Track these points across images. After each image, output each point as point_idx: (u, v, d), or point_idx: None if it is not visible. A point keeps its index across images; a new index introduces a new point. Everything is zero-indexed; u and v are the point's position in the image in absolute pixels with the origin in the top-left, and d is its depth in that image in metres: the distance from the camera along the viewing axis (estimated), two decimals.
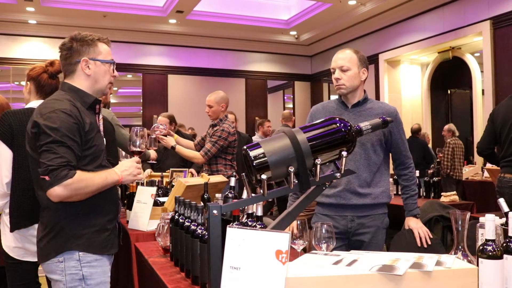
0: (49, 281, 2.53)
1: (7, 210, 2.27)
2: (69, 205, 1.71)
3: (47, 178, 1.59)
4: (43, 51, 9.60)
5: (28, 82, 2.40)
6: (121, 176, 1.79)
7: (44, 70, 2.39)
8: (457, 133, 7.60)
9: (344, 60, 2.30)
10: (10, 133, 2.23)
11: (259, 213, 1.52)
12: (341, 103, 2.40)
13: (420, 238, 2.30)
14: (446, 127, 7.78)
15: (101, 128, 1.94)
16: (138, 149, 1.97)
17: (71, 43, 1.84)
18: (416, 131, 7.87)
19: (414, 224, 2.36)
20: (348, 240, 2.32)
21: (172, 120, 4.97)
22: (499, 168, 3.69)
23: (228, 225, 1.13)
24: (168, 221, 2.17)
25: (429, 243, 2.30)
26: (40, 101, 2.36)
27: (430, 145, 8.52)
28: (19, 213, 2.24)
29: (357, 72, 2.30)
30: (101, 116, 1.98)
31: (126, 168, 1.82)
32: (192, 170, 4.34)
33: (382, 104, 2.42)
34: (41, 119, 1.66)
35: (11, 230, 2.25)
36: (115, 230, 1.92)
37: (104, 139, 1.96)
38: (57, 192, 1.59)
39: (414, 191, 2.42)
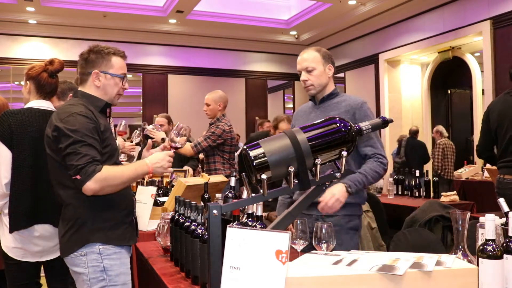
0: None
1: (6, 211, 2.27)
2: (89, 202, 1.83)
3: (78, 177, 1.71)
4: (43, 51, 9.60)
5: (27, 82, 2.39)
6: (151, 167, 1.88)
7: (43, 69, 2.38)
8: (445, 134, 7.89)
9: (307, 60, 2.30)
10: (9, 133, 2.23)
11: (259, 213, 1.52)
12: (312, 101, 2.43)
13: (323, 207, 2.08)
14: (434, 128, 8.02)
15: (113, 130, 2.02)
16: (176, 145, 2.03)
17: (88, 54, 1.96)
18: (415, 133, 8.14)
19: (330, 193, 2.06)
20: None
21: (170, 120, 5.10)
22: None
23: (228, 225, 1.13)
24: (168, 221, 2.18)
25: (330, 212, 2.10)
26: (41, 101, 2.37)
27: (430, 145, 8.80)
28: (18, 214, 2.24)
29: (323, 70, 2.30)
30: (112, 120, 2.06)
31: (158, 160, 1.91)
32: (188, 167, 4.35)
33: (350, 97, 2.35)
34: (61, 123, 1.80)
35: (11, 231, 2.25)
36: (133, 223, 2.02)
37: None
38: (90, 187, 1.71)
39: (367, 173, 2.17)
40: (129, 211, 1.99)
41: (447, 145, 7.75)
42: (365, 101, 2.32)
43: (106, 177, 1.74)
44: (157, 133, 3.73)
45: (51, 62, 2.40)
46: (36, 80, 2.37)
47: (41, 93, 2.38)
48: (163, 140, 3.75)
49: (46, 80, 2.38)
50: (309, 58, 2.31)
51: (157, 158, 1.91)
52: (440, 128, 8.05)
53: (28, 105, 2.36)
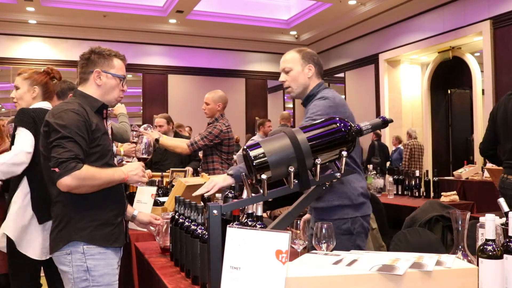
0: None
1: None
2: (77, 200, 1.84)
3: (57, 170, 1.72)
4: (43, 51, 9.60)
5: (35, 87, 2.51)
6: (127, 175, 1.92)
7: (50, 77, 2.56)
8: (414, 136, 8.42)
9: (285, 61, 2.24)
10: (34, 125, 2.32)
11: (259, 213, 1.52)
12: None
13: None
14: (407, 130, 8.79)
15: (109, 131, 2.03)
16: (143, 156, 2.23)
17: (90, 54, 2.00)
18: (379, 136, 9.29)
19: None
20: None
21: (169, 120, 5.08)
22: (500, 168, 3.64)
23: (228, 225, 1.13)
24: (167, 220, 2.18)
25: None
26: (47, 103, 2.51)
27: (430, 145, 9.27)
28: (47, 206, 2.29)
29: (301, 70, 2.21)
30: (109, 122, 2.07)
31: (133, 169, 1.96)
32: (188, 167, 4.35)
33: (321, 93, 2.21)
34: (52, 118, 1.83)
35: (40, 222, 2.30)
36: (122, 225, 1.99)
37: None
38: (66, 182, 1.72)
39: None
40: (119, 213, 1.98)
41: (414, 146, 8.21)
42: (323, 97, 2.14)
43: (85, 176, 1.74)
44: (151, 134, 3.71)
45: (52, 70, 2.59)
46: (44, 86, 2.53)
47: (47, 97, 2.53)
48: (157, 140, 3.73)
49: (52, 86, 2.58)
50: (287, 58, 2.25)
51: (132, 167, 1.97)
52: (410, 130, 8.46)
53: (38, 105, 2.46)
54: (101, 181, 1.82)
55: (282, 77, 2.25)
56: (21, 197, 2.34)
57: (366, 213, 2.21)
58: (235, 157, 5.55)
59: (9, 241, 2.34)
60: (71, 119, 1.81)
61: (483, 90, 7.78)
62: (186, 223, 1.84)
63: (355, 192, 2.16)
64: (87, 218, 1.87)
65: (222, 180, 2.04)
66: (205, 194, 2.04)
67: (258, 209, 1.52)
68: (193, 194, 1.90)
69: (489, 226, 1.21)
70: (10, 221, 2.34)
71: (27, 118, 2.32)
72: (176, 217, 1.98)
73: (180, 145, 3.85)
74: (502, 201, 1.60)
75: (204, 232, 1.65)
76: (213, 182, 2.02)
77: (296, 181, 1.30)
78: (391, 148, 9.30)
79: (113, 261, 1.93)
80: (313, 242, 1.72)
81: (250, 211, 1.57)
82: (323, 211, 2.17)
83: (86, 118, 1.86)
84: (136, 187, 2.88)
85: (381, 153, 9.09)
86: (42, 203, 2.30)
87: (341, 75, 11.07)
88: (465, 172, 6.33)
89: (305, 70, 2.22)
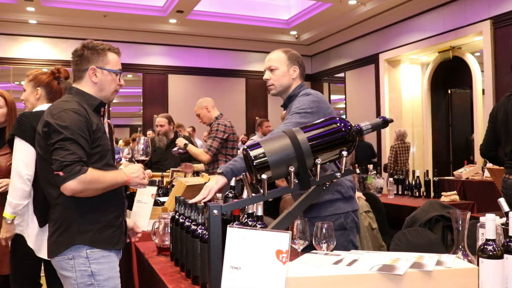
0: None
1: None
2: (77, 203, 1.79)
3: (61, 173, 1.67)
4: (43, 51, 9.60)
5: (38, 88, 2.46)
6: (130, 177, 1.88)
7: (54, 77, 2.50)
8: (401, 138, 8.41)
9: (271, 60, 2.28)
10: (33, 133, 2.23)
11: (259, 213, 1.52)
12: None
13: None
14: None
15: (106, 130, 2.01)
16: (142, 158, 2.20)
17: (83, 51, 1.93)
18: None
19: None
20: None
21: (170, 120, 5.14)
22: (501, 168, 3.65)
23: (228, 225, 1.13)
24: (164, 220, 2.19)
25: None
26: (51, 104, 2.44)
27: (430, 145, 9.27)
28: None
29: (286, 70, 2.26)
30: (106, 120, 2.05)
31: (134, 171, 1.92)
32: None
33: (303, 91, 2.26)
34: (52, 118, 1.76)
35: (41, 226, 2.25)
36: (122, 226, 1.97)
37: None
38: (71, 186, 1.67)
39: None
40: (119, 214, 1.94)
41: (400, 148, 8.31)
42: (306, 93, 2.20)
43: (90, 180, 1.70)
44: (180, 140, 4.14)
45: (58, 70, 2.52)
46: (47, 87, 2.48)
47: (51, 98, 2.47)
48: (185, 145, 4.07)
49: (56, 87, 2.51)
50: (273, 58, 2.29)
51: (133, 169, 1.94)
52: (397, 132, 8.44)
53: (42, 107, 2.40)
54: (105, 184, 1.78)
55: (267, 75, 2.29)
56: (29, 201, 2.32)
57: (355, 208, 2.24)
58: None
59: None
60: (73, 119, 1.75)
61: (483, 90, 7.77)
62: (187, 223, 1.84)
63: (344, 185, 2.18)
64: (89, 221, 1.82)
65: (215, 182, 2.01)
66: (202, 201, 2.02)
67: (258, 209, 1.52)
68: (190, 202, 1.89)
69: (490, 226, 1.21)
70: (30, 229, 2.30)
71: (26, 127, 2.23)
72: (176, 217, 1.98)
73: (201, 152, 4.03)
74: (502, 200, 1.60)
75: (205, 232, 1.65)
76: (208, 188, 1.99)
77: (297, 181, 1.30)
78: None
79: (116, 263, 1.90)
80: (313, 242, 1.72)
81: (250, 211, 1.57)
82: (314, 207, 2.17)
83: (87, 118, 1.80)
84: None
85: (360, 153, 8.98)
86: (45, 205, 2.26)
87: (341, 75, 11.07)
88: (465, 172, 6.33)
89: (290, 71, 2.28)
